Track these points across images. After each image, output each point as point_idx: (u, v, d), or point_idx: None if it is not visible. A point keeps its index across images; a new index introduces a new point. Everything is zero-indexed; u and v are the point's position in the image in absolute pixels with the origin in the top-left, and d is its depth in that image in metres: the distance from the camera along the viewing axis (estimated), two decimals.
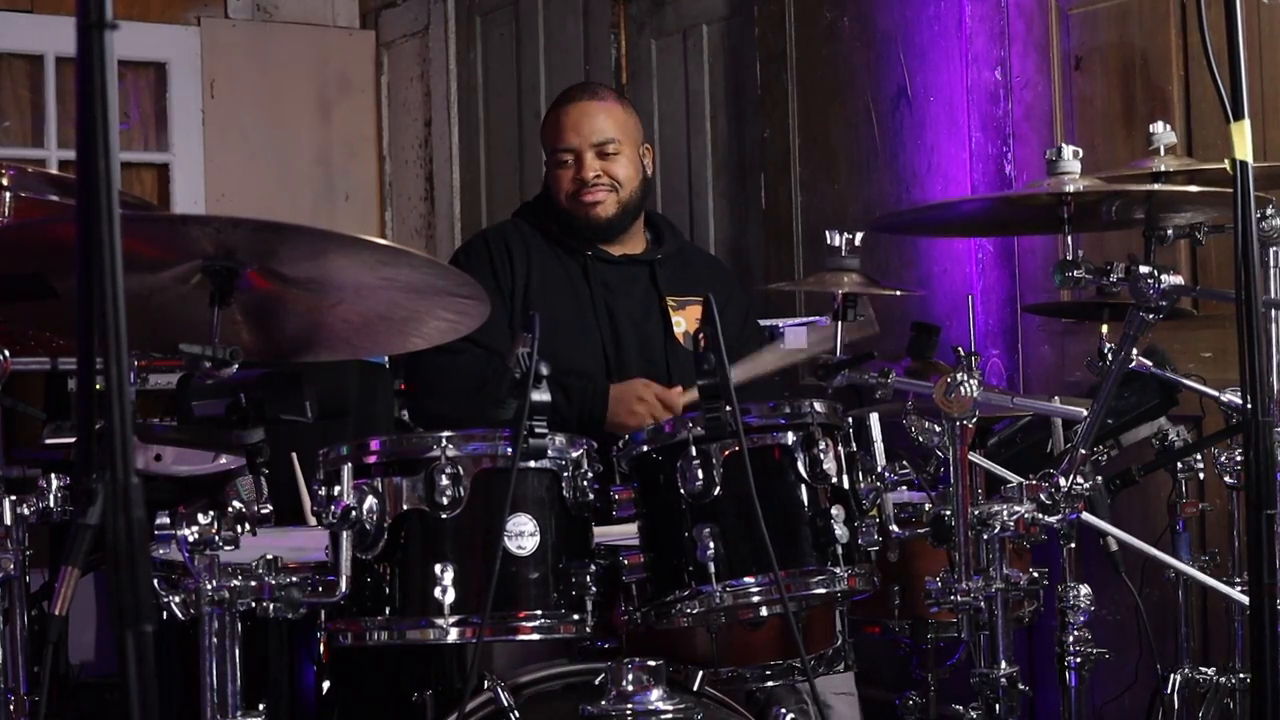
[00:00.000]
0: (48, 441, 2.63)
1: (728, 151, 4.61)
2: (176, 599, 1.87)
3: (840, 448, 2.13)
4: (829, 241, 2.65)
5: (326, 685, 2.29)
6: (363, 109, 5.98)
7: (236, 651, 1.86)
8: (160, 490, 3.33)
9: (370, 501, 1.95)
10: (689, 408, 2.68)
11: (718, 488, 2.02)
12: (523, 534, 1.97)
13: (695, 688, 2.11)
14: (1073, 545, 2.52)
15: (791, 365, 2.97)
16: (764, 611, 2.08)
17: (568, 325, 2.99)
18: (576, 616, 1.99)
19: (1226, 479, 2.67)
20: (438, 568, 1.94)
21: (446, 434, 1.97)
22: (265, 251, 1.89)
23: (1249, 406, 1.67)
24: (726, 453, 2.03)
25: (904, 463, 2.15)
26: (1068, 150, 2.31)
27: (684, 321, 3.10)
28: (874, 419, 2.17)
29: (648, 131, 4.76)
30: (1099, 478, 2.34)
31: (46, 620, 1.88)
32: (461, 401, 2.91)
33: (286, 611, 1.89)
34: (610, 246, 3.11)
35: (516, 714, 2.03)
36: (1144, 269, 2.09)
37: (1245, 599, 2.44)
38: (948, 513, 2.13)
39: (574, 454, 2.04)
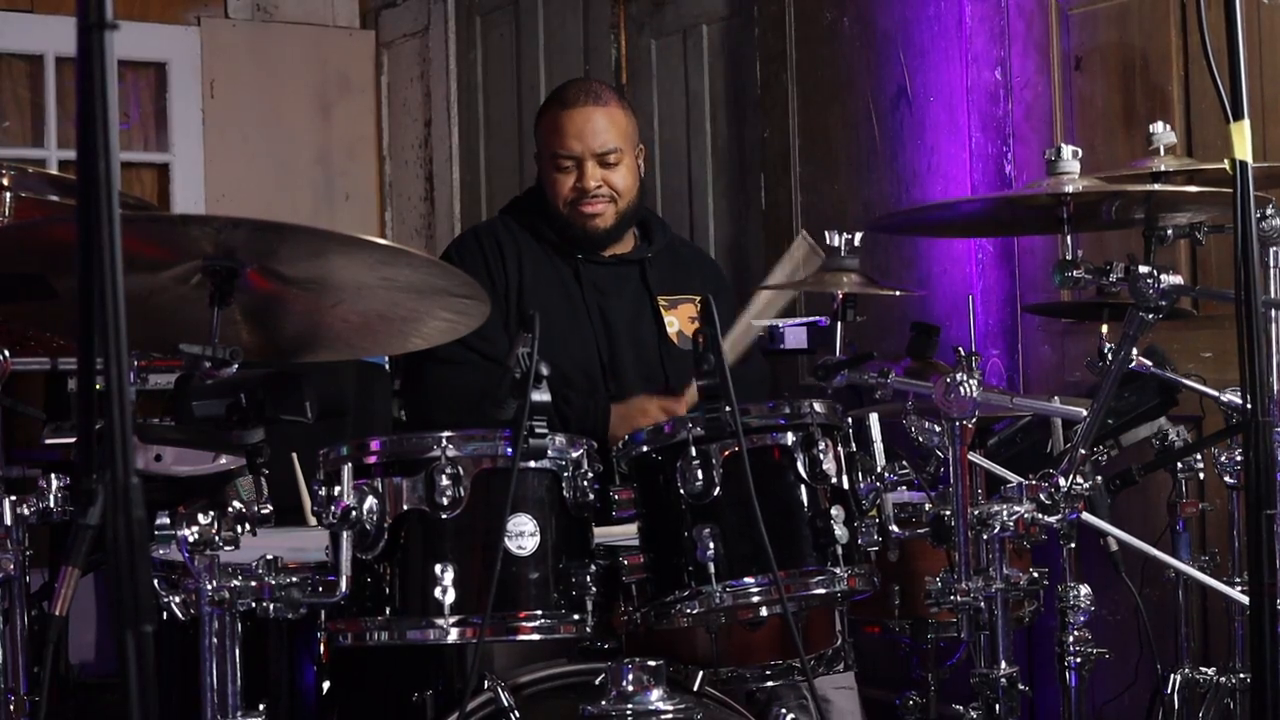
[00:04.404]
0: (48, 441, 2.63)
1: (728, 151, 4.61)
2: (176, 599, 1.88)
3: (840, 448, 2.13)
4: (829, 241, 2.65)
5: (326, 685, 2.29)
6: (363, 109, 5.98)
7: (236, 651, 1.86)
8: (160, 490, 3.33)
9: (370, 501, 1.95)
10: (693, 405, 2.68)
11: (717, 488, 2.02)
12: (523, 534, 1.97)
13: (695, 688, 2.11)
14: (1073, 545, 2.52)
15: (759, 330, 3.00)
16: (764, 612, 2.08)
17: (561, 329, 2.97)
18: (576, 617, 1.99)
19: (1226, 479, 2.67)
20: (438, 568, 1.94)
21: (446, 434, 1.97)
22: (265, 251, 1.89)
23: (1249, 406, 1.67)
24: (726, 453, 2.03)
25: (904, 463, 2.15)
26: (1067, 150, 2.31)
27: (676, 321, 3.10)
28: (874, 419, 2.17)
29: (647, 132, 4.78)
30: (1099, 478, 2.34)
31: (46, 620, 1.88)
32: (463, 414, 2.88)
33: (286, 611, 1.89)
34: (603, 250, 3.10)
35: (516, 714, 2.03)
36: (1144, 269, 2.09)
37: (1245, 599, 2.44)
38: (948, 513, 2.13)
39: (574, 454, 2.04)
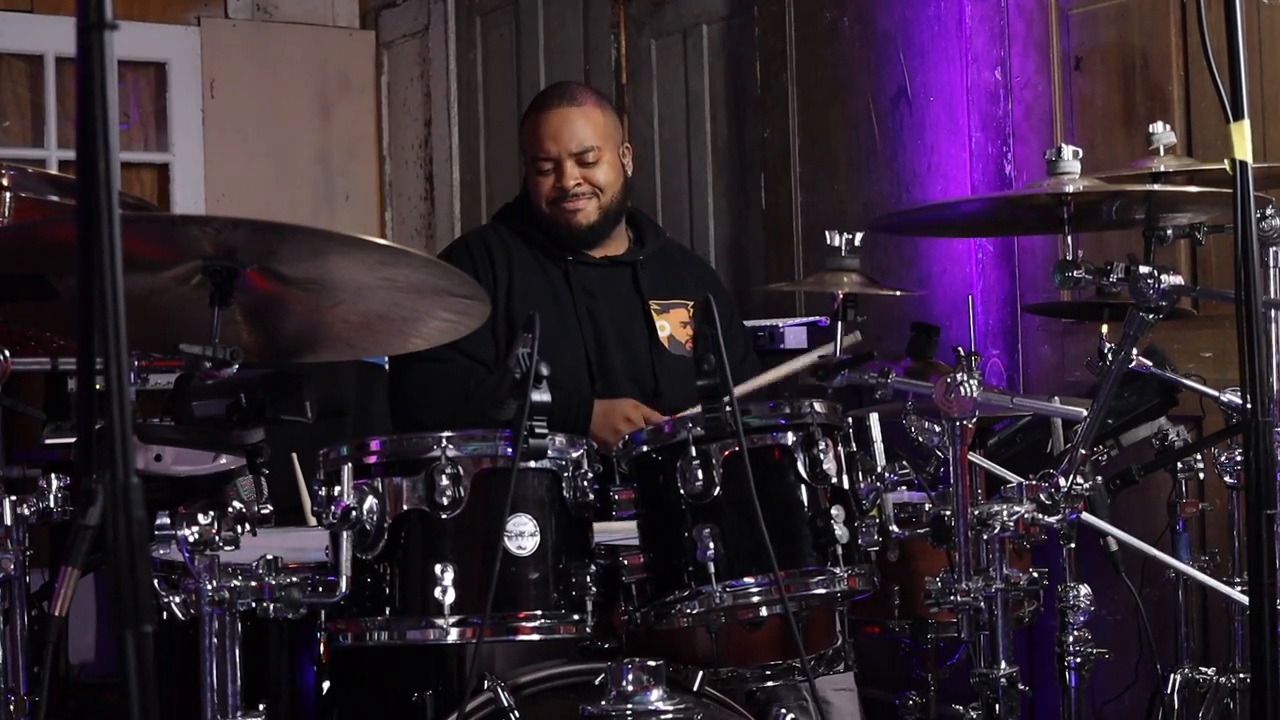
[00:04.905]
0: (48, 441, 2.62)
1: (728, 151, 4.61)
2: (176, 599, 1.87)
3: (840, 448, 2.13)
4: (829, 241, 2.65)
5: (326, 685, 2.29)
6: (363, 109, 5.98)
7: (236, 651, 1.85)
8: (160, 490, 3.32)
9: (370, 501, 1.95)
10: None
11: (717, 488, 2.02)
12: (523, 534, 1.97)
13: (695, 688, 2.11)
14: (1073, 545, 2.52)
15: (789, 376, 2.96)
16: (764, 612, 2.08)
17: (550, 332, 2.96)
18: (576, 617, 1.99)
19: (1226, 479, 2.67)
20: (438, 568, 1.94)
21: (446, 434, 1.97)
22: (265, 252, 1.89)
23: (1249, 406, 1.67)
24: (726, 453, 2.03)
25: (904, 463, 2.15)
26: (1067, 150, 2.31)
27: (668, 325, 3.09)
28: (874, 419, 2.17)
29: (647, 131, 4.78)
30: (1099, 478, 2.34)
31: (46, 620, 1.88)
32: (444, 412, 2.89)
33: (286, 611, 1.89)
34: (592, 249, 3.10)
35: (516, 714, 2.03)
36: (1144, 269, 2.09)
37: (1245, 599, 2.44)
38: (948, 513, 2.13)
39: (574, 454, 2.04)
